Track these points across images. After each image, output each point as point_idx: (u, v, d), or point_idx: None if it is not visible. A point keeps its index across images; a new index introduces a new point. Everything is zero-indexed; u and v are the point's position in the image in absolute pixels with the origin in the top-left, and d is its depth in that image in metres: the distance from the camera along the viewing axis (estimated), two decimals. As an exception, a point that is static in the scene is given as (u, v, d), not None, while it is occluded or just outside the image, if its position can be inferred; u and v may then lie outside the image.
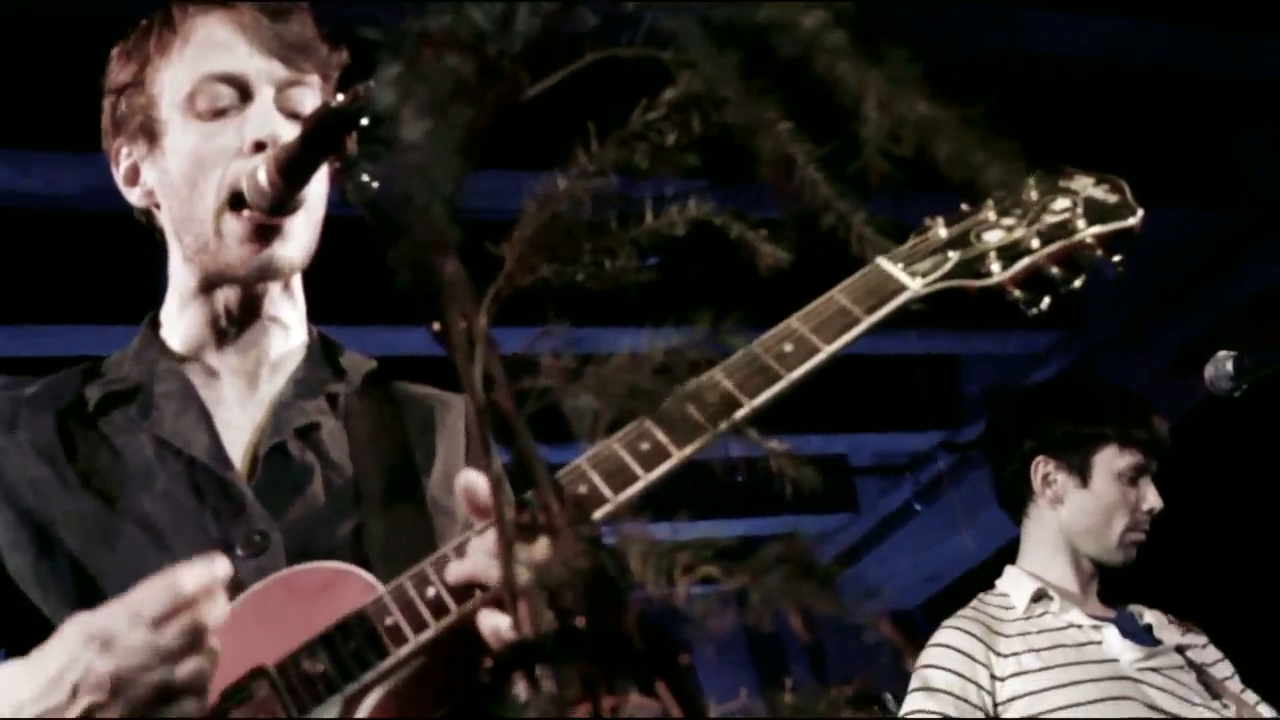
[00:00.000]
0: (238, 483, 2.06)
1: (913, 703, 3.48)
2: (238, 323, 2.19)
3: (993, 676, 3.35)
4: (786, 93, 1.16)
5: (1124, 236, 1.99)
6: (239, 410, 2.16)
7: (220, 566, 1.72)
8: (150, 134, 2.19)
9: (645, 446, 1.71)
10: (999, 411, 3.51)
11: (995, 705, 3.39)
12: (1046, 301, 1.96)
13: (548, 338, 1.21)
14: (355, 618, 1.79)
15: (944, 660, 3.51)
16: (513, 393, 1.12)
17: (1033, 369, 6.97)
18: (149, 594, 1.69)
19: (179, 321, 2.22)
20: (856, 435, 7.26)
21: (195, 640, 1.69)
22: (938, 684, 3.46)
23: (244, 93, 2.13)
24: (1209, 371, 2.91)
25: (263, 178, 1.98)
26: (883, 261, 1.90)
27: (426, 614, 1.77)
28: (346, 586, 1.86)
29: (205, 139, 2.12)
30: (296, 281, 2.25)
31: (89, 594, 1.93)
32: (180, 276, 2.21)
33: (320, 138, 1.77)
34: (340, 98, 1.70)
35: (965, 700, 3.41)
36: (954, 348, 6.76)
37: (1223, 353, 2.91)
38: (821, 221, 1.16)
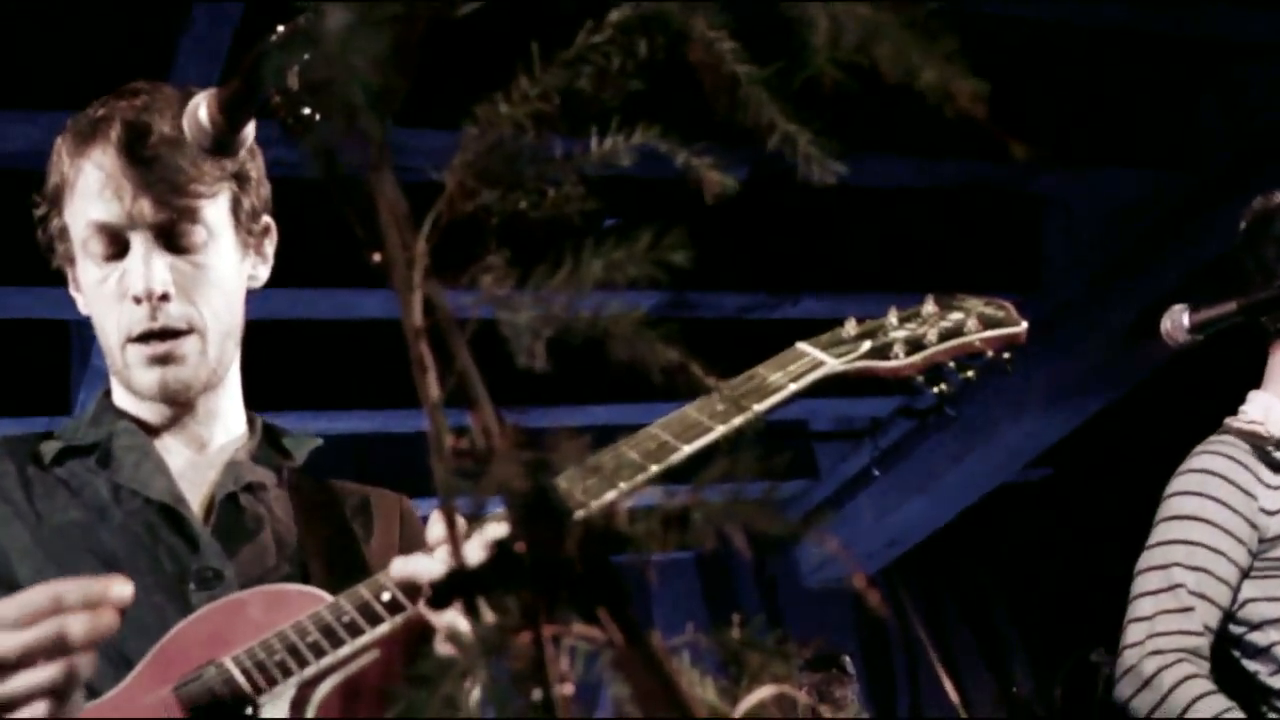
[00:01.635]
0: (193, 519, 2.15)
1: (1165, 533, 3.21)
2: (177, 424, 2.27)
3: (1261, 510, 3.08)
4: (730, 10, 1.14)
5: (1013, 341, 2.24)
6: (190, 469, 2.24)
7: (119, 587, 1.73)
8: (70, 260, 2.26)
9: (651, 445, 1.89)
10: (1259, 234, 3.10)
11: (1260, 542, 3.10)
12: (943, 386, 2.21)
13: (488, 270, 1.19)
14: (311, 617, 1.90)
15: (1205, 487, 3.14)
16: (452, 316, 1.10)
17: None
18: (26, 596, 1.72)
19: (125, 399, 2.29)
20: (815, 400, 7.26)
21: (56, 648, 1.70)
22: (1197, 511, 3.12)
23: (120, 243, 2.17)
24: (1165, 324, 2.91)
25: (204, 115, 1.95)
26: (801, 345, 2.13)
27: (382, 611, 1.88)
28: (302, 601, 1.96)
29: (100, 283, 2.19)
30: (232, 378, 2.29)
31: None
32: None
33: (258, 74, 1.74)
34: (280, 30, 1.67)
35: (1229, 533, 3.10)
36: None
37: (1178, 305, 2.91)
38: (767, 142, 1.15)
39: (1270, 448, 3.11)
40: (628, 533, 1.03)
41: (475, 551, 1.71)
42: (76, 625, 1.70)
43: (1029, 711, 8.29)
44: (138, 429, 2.24)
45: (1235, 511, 3.09)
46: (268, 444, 2.33)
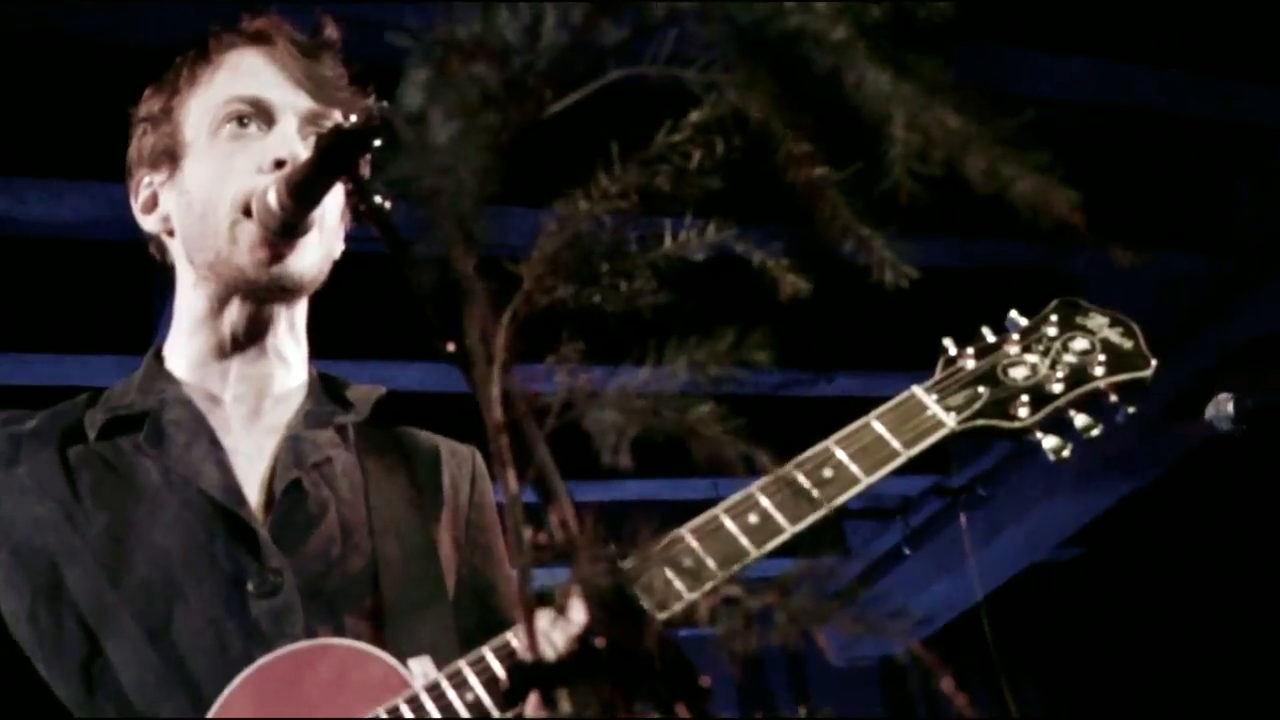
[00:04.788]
0: (250, 520, 2.04)
1: None
2: (244, 348, 2.19)
3: None
4: (812, 115, 1.16)
5: (1138, 385, 2.10)
6: (245, 438, 2.15)
7: None
8: (172, 158, 2.22)
9: (687, 565, 1.74)
10: None
11: None
12: (1068, 451, 2.05)
13: (564, 361, 1.20)
14: (391, 713, 1.75)
15: None
16: (532, 410, 1.12)
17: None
18: None
19: (185, 350, 2.22)
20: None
21: None
22: None
23: (268, 117, 2.17)
24: (1210, 412, 2.91)
25: (272, 198, 1.98)
26: (918, 391, 2.00)
27: (466, 716, 1.74)
28: (366, 669, 1.83)
29: (227, 156, 2.14)
30: (301, 319, 2.25)
31: (89, 637, 1.91)
32: (188, 303, 2.22)
33: (332, 158, 1.77)
34: (355, 118, 1.70)
35: None
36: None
37: (1223, 394, 2.92)
38: (842, 246, 1.16)
39: None
40: (711, 631, 1.03)
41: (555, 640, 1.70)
42: None
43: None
44: (189, 399, 2.15)
45: None
46: (328, 396, 2.25)
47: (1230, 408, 2.88)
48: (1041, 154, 0.89)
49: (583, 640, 1.06)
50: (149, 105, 2.26)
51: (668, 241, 1.24)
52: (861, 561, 8.07)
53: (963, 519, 7.02)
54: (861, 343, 6.15)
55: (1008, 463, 7.26)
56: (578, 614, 1.07)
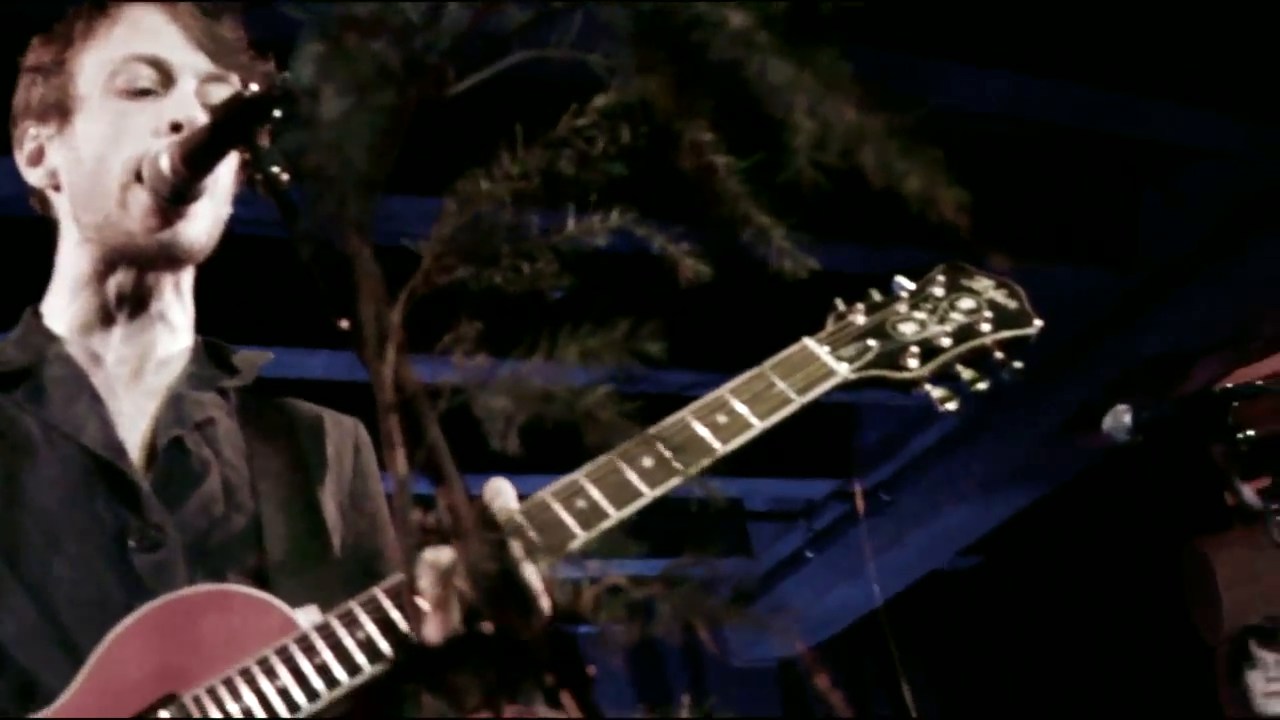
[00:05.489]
0: (133, 474, 2.01)
1: None
2: (128, 312, 2.14)
3: None
4: (714, 104, 1.16)
5: (1022, 343, 2.16)
6: (127, 400, 2.11)
7: None
8: (63, 111, 2.16)
9: (581, 505, 1.76)
10: None
11: None
12: (955, 404, 2.11)
13: (460, 344, 1.19)
14: (280, 653, 1.73)
15: None
16: (424, 391, 1.10)
17: (931, 420, 7.02)
18: None
19: (67, 310, 2.18)
20: (752, 480, 7.27)
21: None
22: None
23: (166, 77, 2.12)
24: (1108, 423, 2.95)
25: (165, 163, 1.95)
26: (809, 342, 2.05)
27: (360, 656, 1.71)
28: (260, 617, 1.81)
29: (121, 116, 2.10)
30: (188, 283, 2.21)
31: None
32: (72, 262, 2.17)
33: (229, 126, 1.75)
34: (254, 87, 1.68)
35: None
36: (852, 397, 6.79)
37: (1121, 405, 2.96)
38: (741, 235, 1.16)
39: None
40: (591, 619, 1.03)
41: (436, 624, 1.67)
42: None
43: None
44: (70, 356, 2.11)
45: None
46: (212, 361, 2.21)
47: (1127, 419, 2.91)
48: (933, 151, 0.89)
49: (467, 625, 1.05)
50: (39, 55, 2.20)
51: (570, 226, 1.23)
52: (766, 563, 8.09)
53: (863, 525, 7.07)
54: (772, 345, 6.17)
55: (911, 470, 7.31)
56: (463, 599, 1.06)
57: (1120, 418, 2.93)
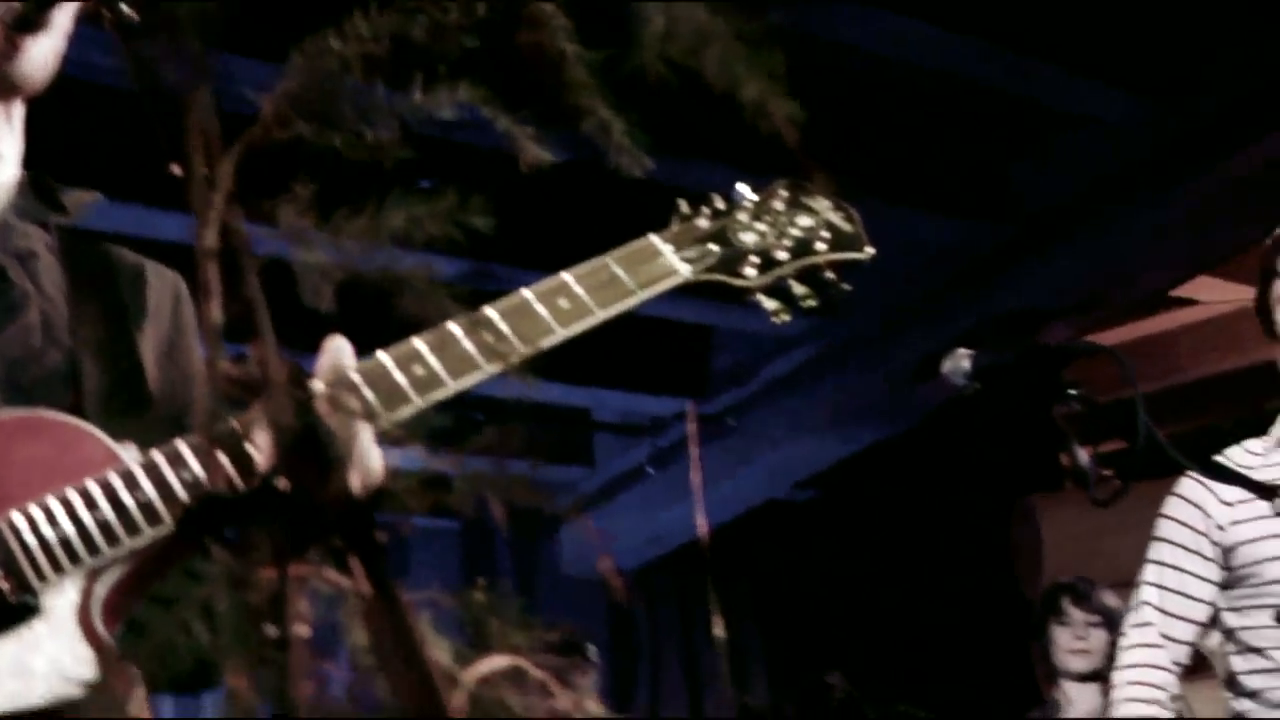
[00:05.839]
0: None
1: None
2: None
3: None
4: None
5: (854, 266, 2.19)
6: None
7: None
8: None
9: (419, 371, 1.71)
10: None
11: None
12: (787, 317, 2.15)
13: (293, 202, 1.18)
14: (101, 485, 1.68)
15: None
16: (248, 244, 1.09)
17: (785, 351, 7.08)
18: None
19: None
20: (602, 391, 7.30)
21: None
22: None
23: None
24: (946, 365, 2.96)
25: None
26: (654, 239, 2.04)
27: (185, 496, 1.64)
28: (81, 446, 1.77)
29: None
30: (19, 114, 2.15)
31: None
32: None
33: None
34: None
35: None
36: (709, 318, 6.82)
37: (962, 349, 2.97)
38: (581, 126, 1.15)
39: None
40: (389, 487, 1.02)
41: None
42: None
43: (761, 723, 8.44)
44: None
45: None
46: (39, 196, 2.12)
47: (966, 364, 2.93)
48: (774, 57, 0.89)
49: (264, 479, 1.04)
50: None
51: (417, 96, 1.22)
52: (605, 474, 8.13)
53: (695, 449, 7.13)
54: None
55: (761, 398, 7.37)
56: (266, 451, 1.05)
57: (959, 362, 2.94)
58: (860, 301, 6.66)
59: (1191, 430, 6.60)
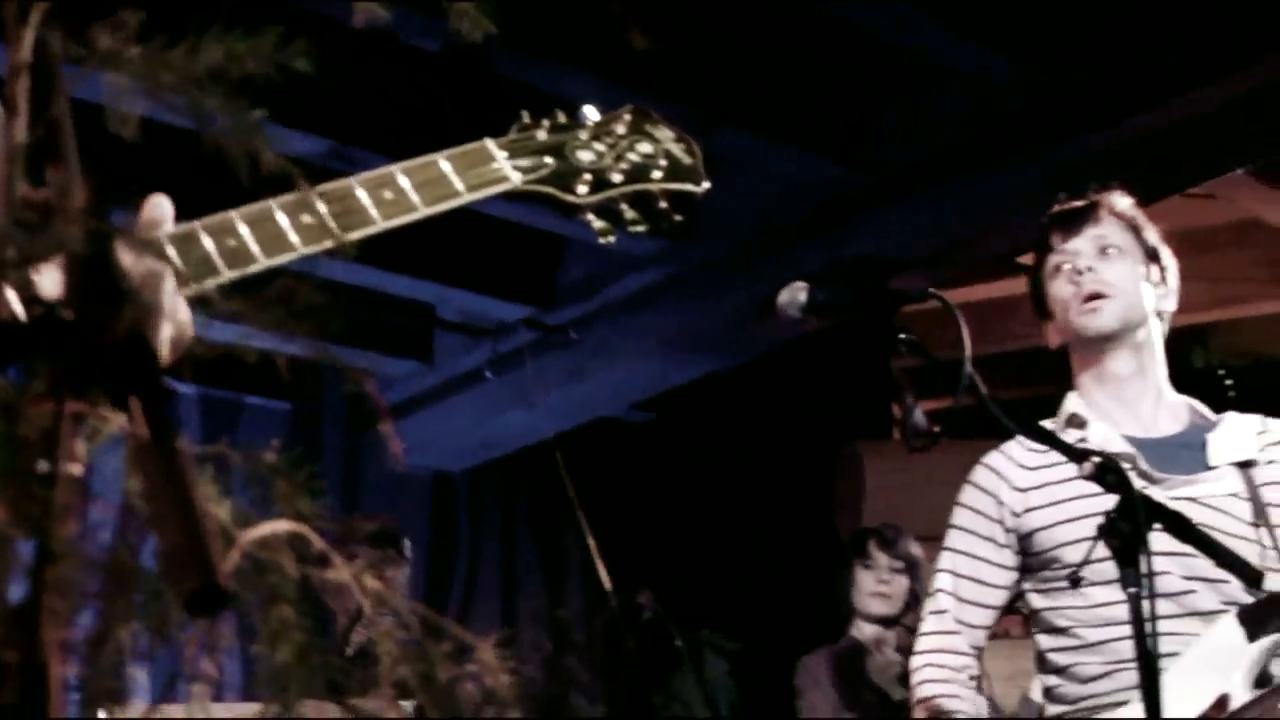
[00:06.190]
0: None
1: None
2: None
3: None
4: None
5: (687, 199, 2.23)
6: None
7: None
8: None
9: (231, 243, 1.70)
10: None
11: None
12: (613, 238, 2.20)
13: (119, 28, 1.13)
14: None
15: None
16: (61, 65, 1.04)
17: (635, 270, 7.06)
18: None
19: None
20: (447, 288, 7.23)
21: None
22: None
23: None
24: (783, 297, 2.96)
25: None
26: (489, 143, 2.06)
27: None
28: None
29: None
30: None
31: None
32: None
33: None
34: None
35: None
36: (563, 229, 6.77)
37: (799, 283, 2.98)
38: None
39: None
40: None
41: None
42: None
43: (569, 634, 8.49)
44: None
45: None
46: None
47: (802, 296, 2.94)
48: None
49: (49, 309, 1.00)
50: None
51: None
52: (443, 373, 8.06)
53: (529, 360, 7.12)
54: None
55: (605, 314, 7.35)
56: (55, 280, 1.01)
57: (795, 294, 2.96)
58: (715, 230, 6.68)
59: (1027, 397, 6.70)
